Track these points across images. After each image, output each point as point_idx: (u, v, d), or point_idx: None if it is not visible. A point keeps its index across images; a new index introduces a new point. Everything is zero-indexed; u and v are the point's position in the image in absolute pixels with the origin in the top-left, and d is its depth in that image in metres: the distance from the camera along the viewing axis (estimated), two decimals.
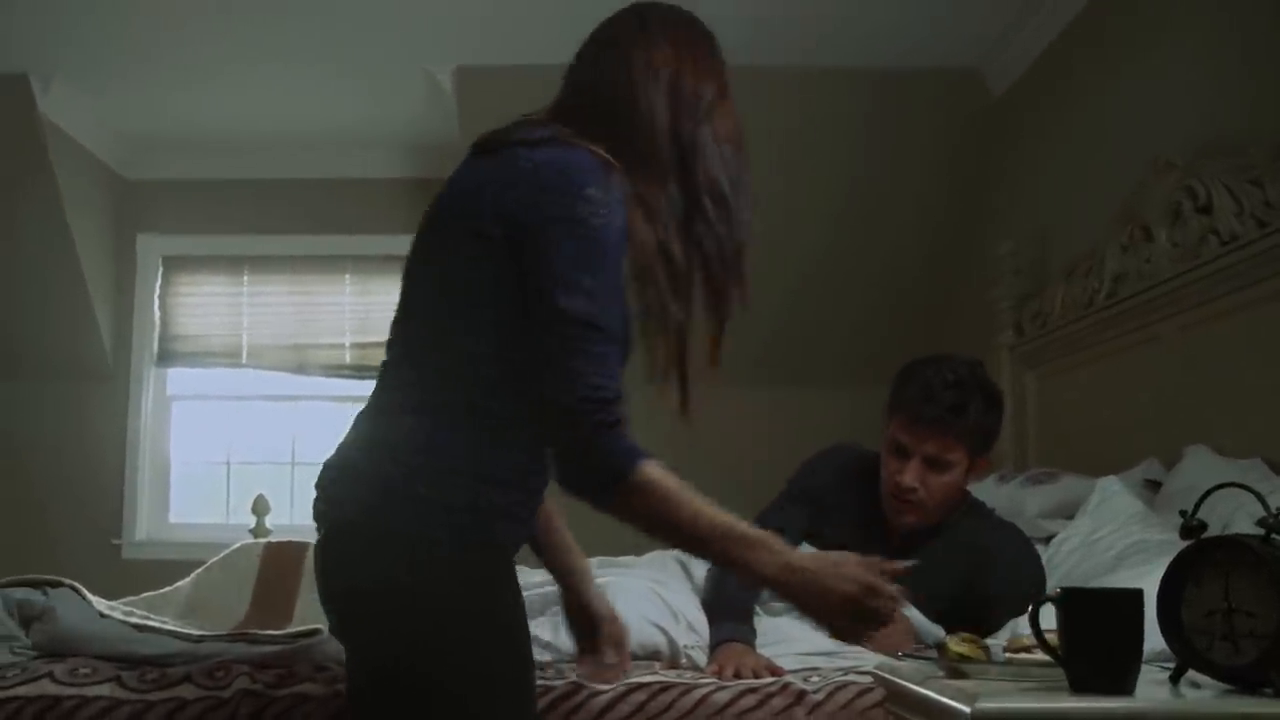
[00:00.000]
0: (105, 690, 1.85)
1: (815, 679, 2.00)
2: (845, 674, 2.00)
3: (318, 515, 1.51)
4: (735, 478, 4.66)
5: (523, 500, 1.51)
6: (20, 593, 1.99)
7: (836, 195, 4.40)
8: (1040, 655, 1.41)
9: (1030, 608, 1.36)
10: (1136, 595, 1.30)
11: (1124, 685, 1.28)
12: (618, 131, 1.48)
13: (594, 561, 2.57)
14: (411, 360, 1.48)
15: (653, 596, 2.18)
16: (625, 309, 1.44)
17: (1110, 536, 2.41)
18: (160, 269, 5.29)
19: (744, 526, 1.40)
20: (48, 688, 1.84)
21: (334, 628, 1.53)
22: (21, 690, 1.84)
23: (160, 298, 5.29)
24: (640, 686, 1.94)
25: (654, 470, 1.38)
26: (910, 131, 4.25)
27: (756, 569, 1.40)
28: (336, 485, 1.48)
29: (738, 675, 2.02)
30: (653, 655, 2.10)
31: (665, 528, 1.40)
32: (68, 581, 2.01)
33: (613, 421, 1.37)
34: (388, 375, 1.53)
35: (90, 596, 1.99)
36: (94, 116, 4.78)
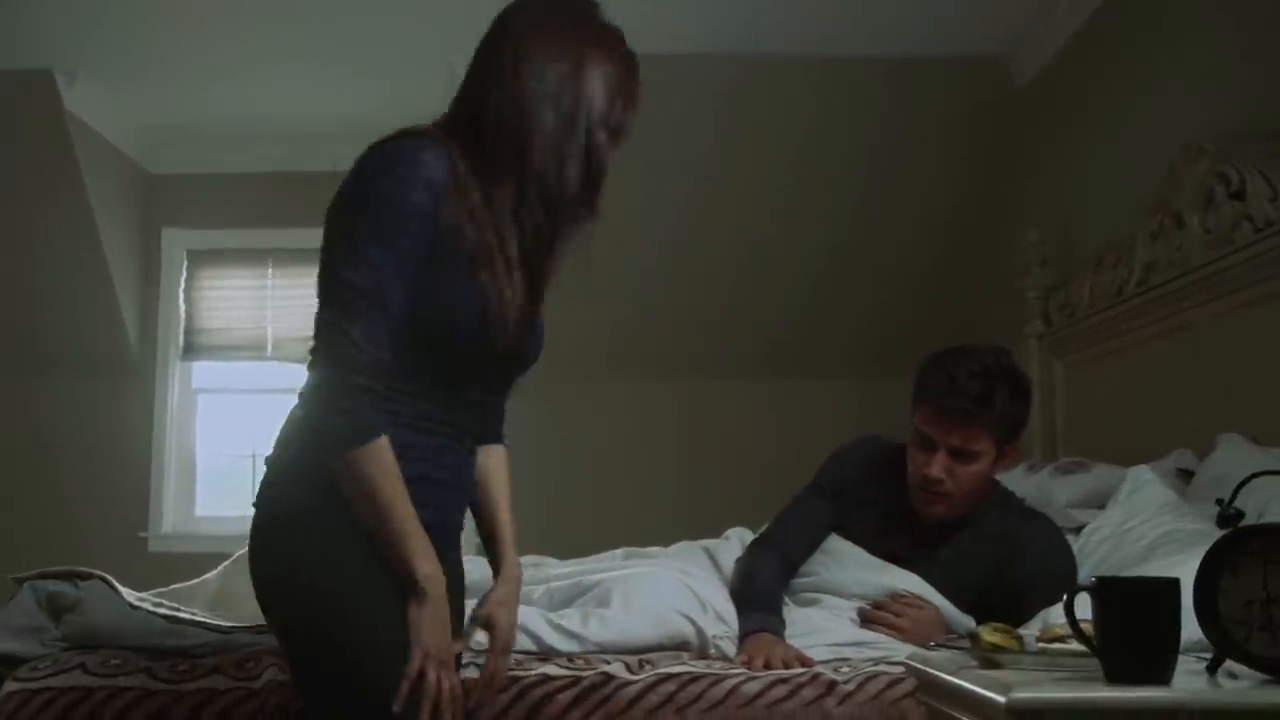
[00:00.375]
0: (137, 681, 1.86)
1: (845, 669, 1.99)
2: (876, 665, 2.00)
3: None
4: (752, 470, 4.73)
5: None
6: (51, 584, 2.00)
7: (855, 185, 4.38)
8: (1074, 645, 1.39)
9: (1066, 597, 1.35)
10: (1173, 585, 1.29)
11: (1161, 675, 1.26)
12: (469, 132, 1.56)
13: (619, 552, 2.59)
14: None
15: (681, 587, 2.17)
16: (438, 285, 1.49)
17: (1142, 526, 2.38)
18: (185, 263, 5.32)
19: (423, 534, 1.46)
20: (80, 679, 1.86)
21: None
22: (54, 681, 1.85)
23: (185, 291, 5.32)
24: (670, 677, 1.94)
25: (386, 447, 1.45)
26: (932, 122, 4.22)
27: (416, 572, 1.44)
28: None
29: (767, 665, 2.01)
30: (681, 646, 2.09)
31: (371, 504, 1.45)
32: (98, 573, 2.01)
33: (364, 388, 1.44)
34: None
35: (121, 588, 2.00)
36: (118, 111, 4.80)
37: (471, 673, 1.72)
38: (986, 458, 2.21)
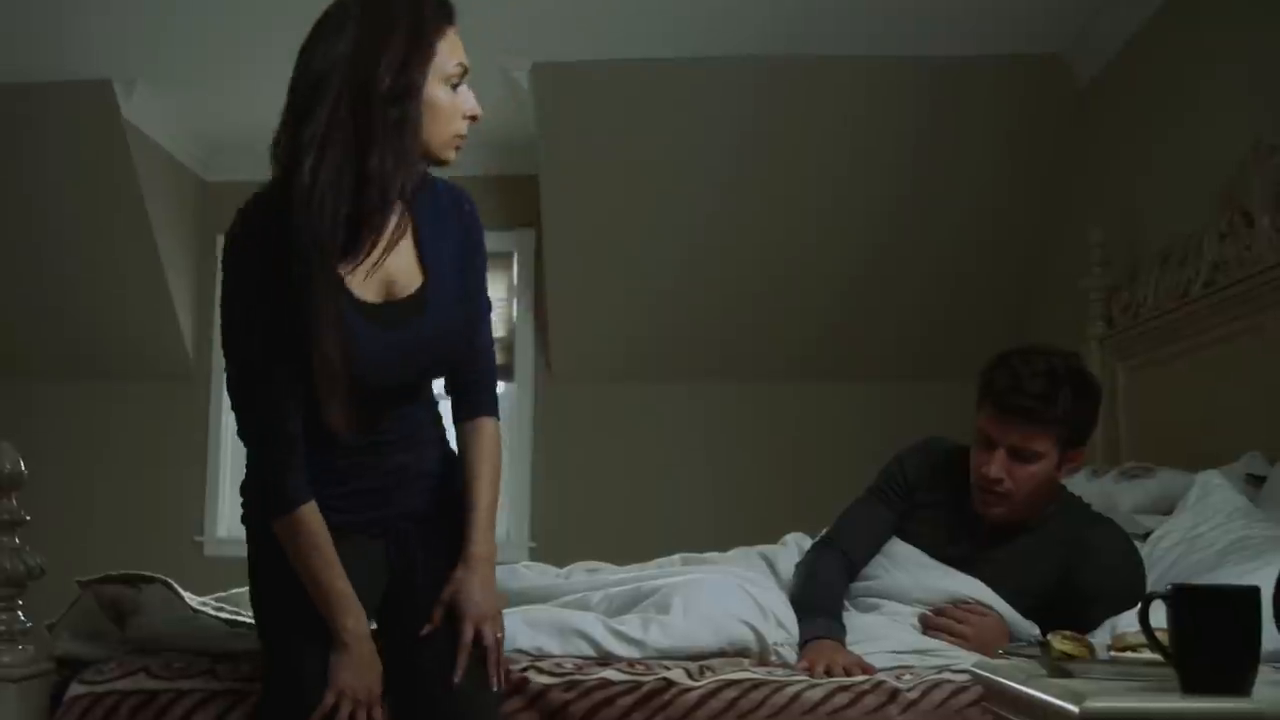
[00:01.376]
0: (200, 683, 1.87)
1: (908, 677, 1.96)
2: (939, 672, 1.96)
3: None
4: (789, 475, 4.70)
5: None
6: (113, 589, 2.00)
7: (898, 187, 4.35)
8: (1147, 654, 1.36)
9: (1141, 605, 1.32)
10: (1253, 592, 1.26)
11: (1240, 686, 1.23)
12: None
13: (677, 558, 2.58)
14: None
15: (741, 593, 2.15)
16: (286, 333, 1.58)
17: (1212, 533, 2.34)
18: None
19: (347, 594, 1.64)
20: (144, 682, 1.87)
21: None
22: (119, 684, 1.87)
23: None
24: (732, 683, 1.91)
25: (310, 516, 1.63)
26: (986, 120, 4.18)
27: (338, 627, 1.63)
28: None
29: (828, 672, 1.98)
30: (741, 652, 2.07)
31: (298, 565, 1.65)
32: (160, 577, 2.03)
33: (277, 462, 1.63)
34: None
35: (183, 592, 2.01)
36: (175, 120, 4.85)
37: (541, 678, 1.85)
38: (1047, 459, 2.16)
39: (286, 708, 1.65)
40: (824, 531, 2.44)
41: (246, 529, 1.78)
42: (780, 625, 2.14)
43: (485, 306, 1.81)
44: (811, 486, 4.20)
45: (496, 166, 5.03)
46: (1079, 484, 2.85)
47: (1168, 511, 2.61)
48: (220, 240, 5.21)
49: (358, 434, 1.67)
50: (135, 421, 5.23)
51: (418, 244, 1.69)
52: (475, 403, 1.80)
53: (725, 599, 2.11)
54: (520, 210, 4.96)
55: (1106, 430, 3.45)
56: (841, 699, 1.90)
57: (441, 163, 1.68)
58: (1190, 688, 1.24)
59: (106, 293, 4.98)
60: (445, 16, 1.65)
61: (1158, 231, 3.42)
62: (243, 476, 1.76)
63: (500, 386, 6.04)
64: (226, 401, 5.69)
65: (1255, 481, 2.60)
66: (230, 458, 5.29)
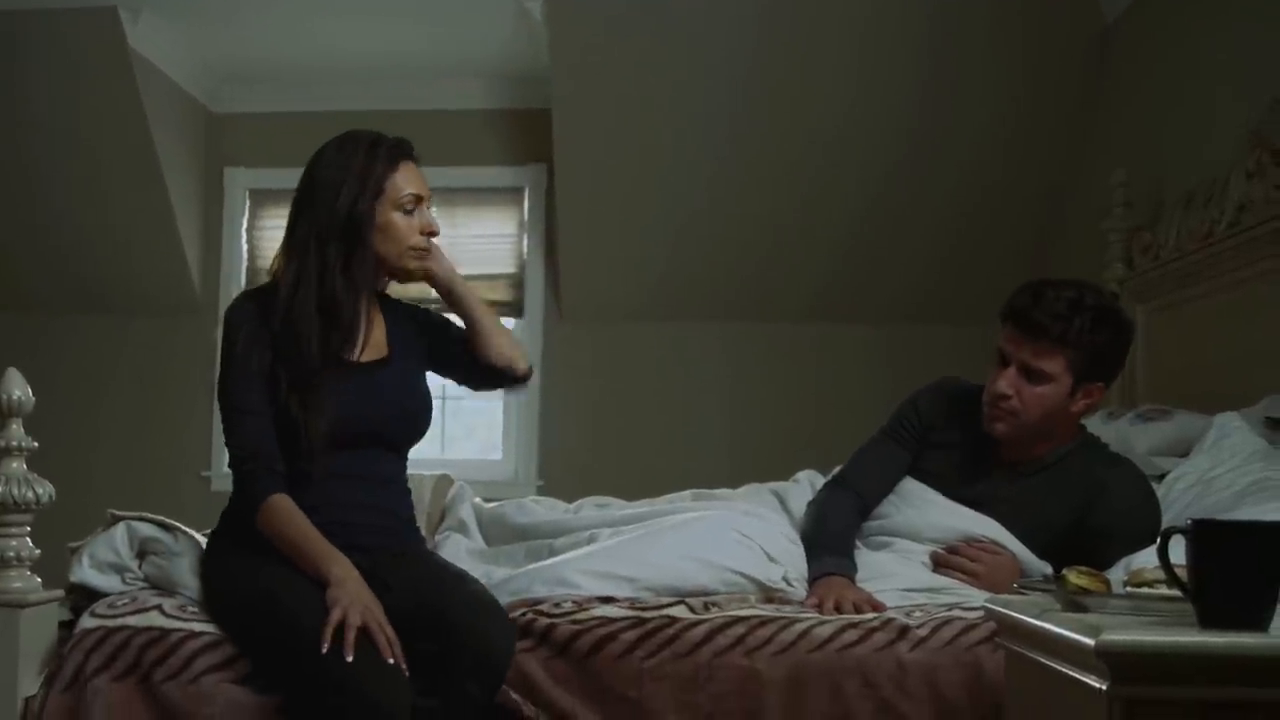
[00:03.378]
0: (213, 626, 1.88)
1: (918, 614, 1.95)
2: (950, 610, 1.95)
3: None
4: (799, 415, 4.68)
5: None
6: (148, 529, 2.05)
7: (911, 121, 4.26)
8: (1163, 590, 1.35)
9: (1160, 539, 1.30)
10: (1274, 528, 1.25)
11: (1257, 621, 1.23)
12: None
13: (688, 494, 2.57)
14: None
15: (733, 537, 2.14)
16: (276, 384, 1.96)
17: (1229, 474, 2.32)
18: (247, 202, 5.29)
19: (329, 549, 1.86)
20: (156, 619, 1.89)
21: None
22: (131, 620, 1.89)
23: (247, 231, 5.30)
24: (739, 620, 1.92)
25: (281, 501, 1.90)
26: (1013, 54, 4.07)
27: (328, 572, 1.82)
28: None
29: (838, 608, 1.98)
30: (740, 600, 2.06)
31: (282, 545, 1.88)
32: (194, 533, 2.08)
33: (251, 470, 1.93)
34: None
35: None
36: (182, 49, 4.76)
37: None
38: (1058, 384, 2.13)
39: (294, 651, 1.75)
40: (836, 470, 2.43)
41: (208, 556, 2.01)
42: (772, 560, 2.13)
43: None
44: (824, 426, 4.19)
45: (508, 100, 4.95)
46: (1094, 426, 2.81)
47: (1184, 454, 2.59)
48: (228, 173, 5.24)
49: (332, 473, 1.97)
50: (141, 356, 5.19)
51: (388, 336, 2.10)
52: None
53: (718, 550, 2.10)
54: (532, 145, 4.87)
55: (1124, 372, 3.41)
56: (850, 635, 1.90)
57: (407, 271, 2.06)
58: (1208, 622, 1.23)
59: (112, 226, 4.92)
60: (398, 155, 2.03)
61: (1181, 172, 3.36)
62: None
63: (509, 324, 5.99)
64: None
65: (1275, 425, 2.56)
66: None
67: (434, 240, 2.08)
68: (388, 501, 2.04)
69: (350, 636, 1.70)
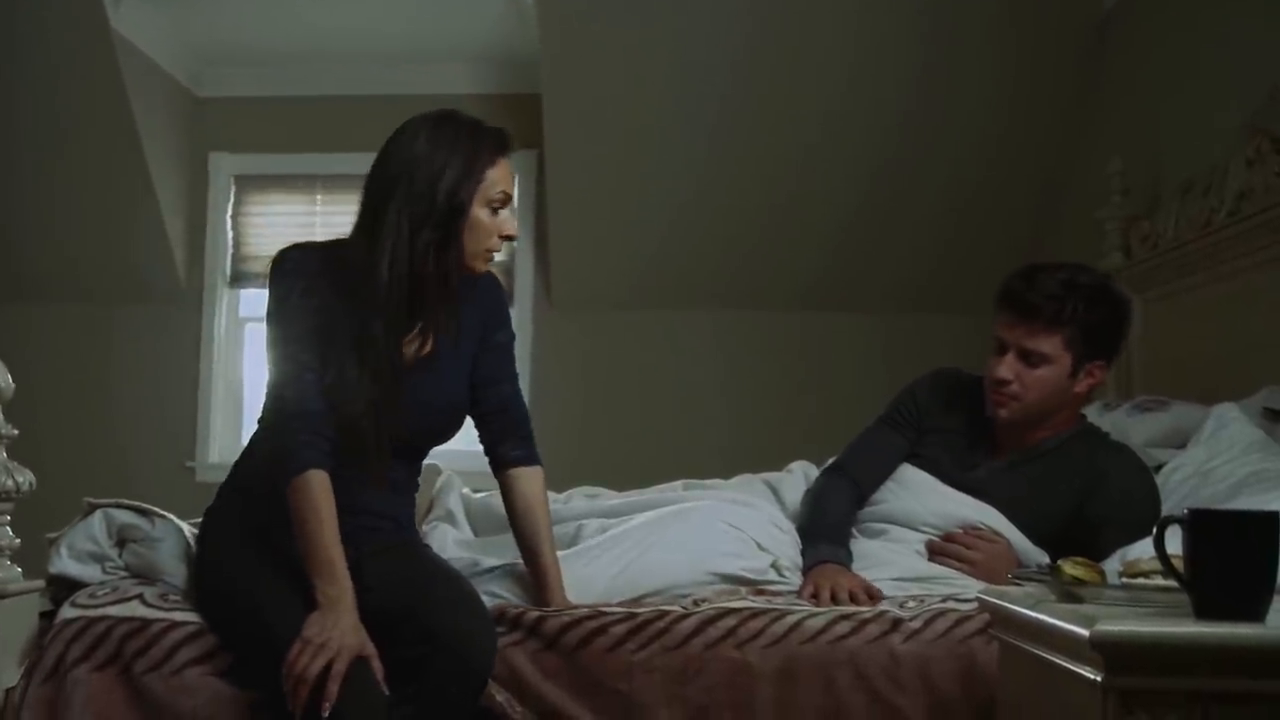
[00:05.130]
0: (194, 616, 1.87)
1: (911, 604, 1.94)
2: (944, 601, 1.94)
3: None
4: (791, 404, 4.66)
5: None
6: (126, 516, 2.03)
7: (906, 104, 4.23)
8: (1159, 580, 1.34)
9: (1156, 529, 1.28)
10: (1271, 518, 1.24)
11: (1254, 612, 1.22)
12: None
13: (679, 484, 2.54)
14: None
15: (722, 529, 2.13)
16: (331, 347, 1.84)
17: (1226, 466, 2.30)
18: (232, 188, 5.25)
19: (336, 564, 1.75)
20: (137, 609, 1.88)
21: None
22: (112, 610, 1.87)
23: (233, 218, 5.26)
24: (730, 611, 1.90)
25: (319, 480, 1.77)
26: (1009, 40, 4.04)
27: (319, 592, 1.73)
28: None
29: (833, 596, 1.97)
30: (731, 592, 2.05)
31: (299, 529, 1.76)
32: (171, 516, 2.05)
33: (298, 431, 1.79)
34: None
35: (189, 537, 2.01)
36: (166, 32, 4.71)
37: None
38: (1058, 365, 2.13)
39: (272, 663, 1.69)
40: (833, 459, 2.42)
41: (200, 543, 1.95)
42: (762, 549, 2.12)
43: (513, 374, 2.08)
44: (817, 416, 4.17)
45: (497, 84, 4.92)
46: (1091, 417, 2.79)
47: (1181, 445, 2.57)
48: (213, 158, 5.19)
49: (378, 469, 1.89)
50: (124, 345, 5.14)
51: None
52: (530, 452, 2.05)
53: (706, 553, 2.08)
54: (522, 130, 4.77)
55: (1120, 363, 3.39)
56: (843, 628, 1.88)
57: (471, 272, 1.92)
58: (1204, 613, 1.23)
59: (95, 212, 4.86)
60: (500, 149, 1.90)
61: (1180, 161, 3.34)
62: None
63: None
64: (218, 323, 5.48)
65: (1273, 416, 2.54)
66: (223, 382, 5.22)
67: None
68: (391, 507, 1.96)
69: (332, 689, 1.63)
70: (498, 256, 1.99)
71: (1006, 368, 2.14)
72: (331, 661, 1.64)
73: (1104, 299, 2.14)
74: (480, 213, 1.87)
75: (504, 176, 1.89)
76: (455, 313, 1.92)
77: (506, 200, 1.90)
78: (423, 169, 1.83)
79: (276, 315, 1.86)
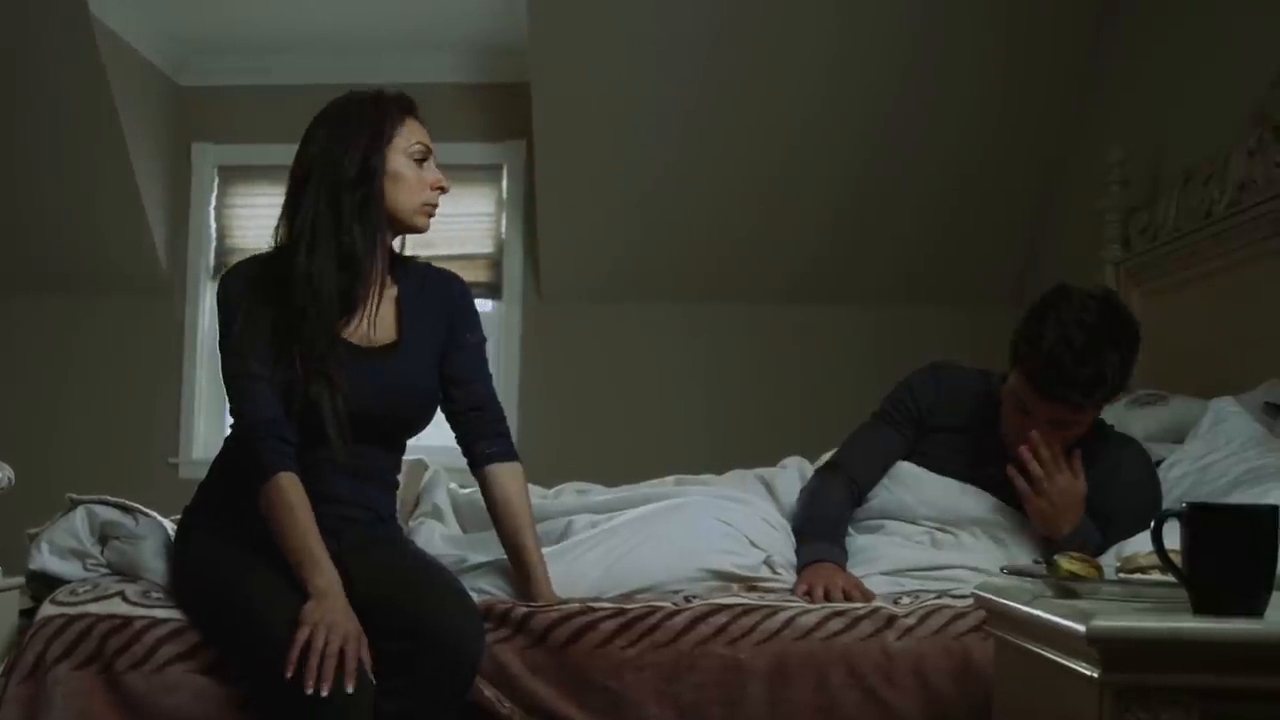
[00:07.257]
0: (176, 614, 1.85)
1: (906, 600, 1.92)
2: (939, 597, 1.92)
3: None
4: (777, 399, 4.62)
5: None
6: (109, 512, 2.02)
7: (895, 89, 4.18)
8: (1156, 576, 1.32)
9: (1154, 524, 1.27)
10: (1271, 512, 1.23)
11: (1253, 607, 1.21)
12: None
13: (670, 479, 2.52)
14: None
15: (712, 524, 2.11)
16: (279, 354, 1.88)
17: (1225, 461, 2.28)
18: (216, 179, 5.20)
19: (319, 557, 1.78)
20: (119, 606, 1.86)
21: None
22: (93, 608, 1.86)
23: (216, 208, 5.21)
24: (722, 608, 1.89)
25: (288, 483, 1.81)
26: (1006, 27, 4.00)
27: (309, 585, 1.74)
28: None
29: (827, 594, 1.95)
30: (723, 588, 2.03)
31: (275, 529, 1.79)
32: (153, 513, 2.04)
33: (262, 440, 1.83)
34: None
35: (172, 534, 2.00)
36: (147, 21, 4.65)
37: None
38: (1089, 418, 2.11)
39: (263, 659, 1.68)
40: (827, 455, 2.40)
41: (180, 539, 1.96)
42: (755, 546, 2.10)
43: (486, 375, 2.07)
44: (810, 410, 4.15)
45: (485, 73, 4.87)
46: None
47: (1180, 440, 2.55)
48: (196, 148, 5.13)
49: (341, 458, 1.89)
50: (106, 338, 5.08)
51: (399, 312, 1.99)
52: (507, 448, 2.04)
53: (695, 534, 2.07)
54: (510, 120, 4.79)
55: None
56: (836, 624, 1.87)
57: (417, 230, 1.98)
58: (1202, 608, 1.22)
59: (75, 203, 4.80)
60: (404, 109, 1.98)
61: (1180, 152, 3.31)
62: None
63: (487, 306, 5.89)
64: (201, 316, 5.43)
65: (1273, 410, 2.51)
66: (206, 376, 5.15)
67: None
68: (368, 498, 1.95)
69: (328, 668, 1.63)
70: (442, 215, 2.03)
71: (1037, 436, 2.07)
72: (328, 643, 1.65)
73: (1127, 345, 2.06)
74: (402, 167, 1.93)
75: (416, 130, 1.97)
76: (401, 289, 1.99)
77: (427, 153, 1.97)
78: (334, 149, 1.90)
79: (224, 337, 1.91)
